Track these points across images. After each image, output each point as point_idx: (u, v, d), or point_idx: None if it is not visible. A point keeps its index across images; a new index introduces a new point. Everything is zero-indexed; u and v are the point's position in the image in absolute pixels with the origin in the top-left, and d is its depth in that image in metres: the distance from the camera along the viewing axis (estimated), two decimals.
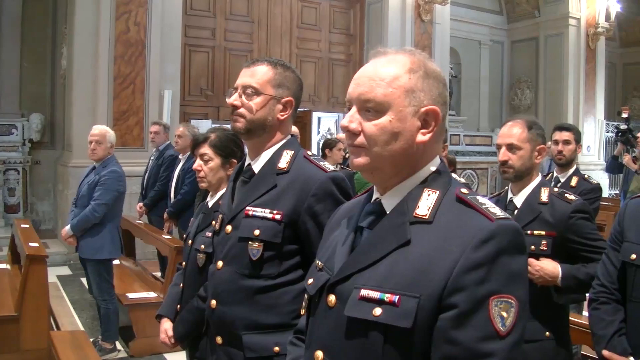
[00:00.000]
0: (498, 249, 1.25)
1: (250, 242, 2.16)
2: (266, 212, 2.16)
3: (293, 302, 2.14)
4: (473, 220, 1.30)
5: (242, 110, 2.22)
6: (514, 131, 2.88)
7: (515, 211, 2.89)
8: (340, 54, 11.97)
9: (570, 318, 2.97)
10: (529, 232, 2.81)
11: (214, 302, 2.24)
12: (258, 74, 2.24)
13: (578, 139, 4.81)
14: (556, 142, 4.74)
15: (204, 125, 8.66)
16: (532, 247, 2.79)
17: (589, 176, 4.91)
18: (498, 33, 15.93)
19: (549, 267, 2.76)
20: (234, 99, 2.24)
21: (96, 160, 5.34)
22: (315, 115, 11.00)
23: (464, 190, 1.38)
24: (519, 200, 2.92)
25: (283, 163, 2.23)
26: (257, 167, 2.28)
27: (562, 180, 4.79)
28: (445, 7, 11.98)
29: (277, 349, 2.12)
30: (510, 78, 16.12)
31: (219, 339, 2.24)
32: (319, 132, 11.00)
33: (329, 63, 11.81)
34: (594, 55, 15.09)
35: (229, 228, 2.25)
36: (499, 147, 2.90)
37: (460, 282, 1.23)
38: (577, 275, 2.73)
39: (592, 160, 14.73)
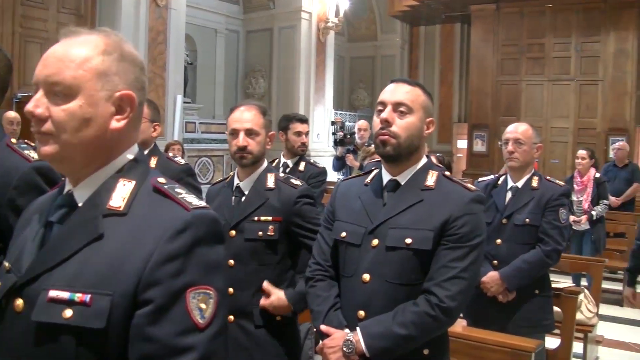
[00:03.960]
0: (194, 239, 1.21)
1: None
2: None
3: None
4: (169, 210, 1.25)
5: None
6: (251, 116, 2.84)
7: (243, 198, 2.88)
8: None
9: None
10: (256, 218, 2.80)
11: None
12: None
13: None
14: (299, 134, 5.00)
15: None
16: (260, 233, 2.78)
17: (315, 161, 5.26)
18: (234, 22, 16.16)
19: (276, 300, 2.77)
20: None
21: None
22: None
23: (160, 179, 1.33)
24: (246, 186, 2.90)
25: None
26: None
27: (291, 165, 5.01)
28: None
29: None
30: (245, 67, 16.45)
31: None
32: None
33: None
34: (324, 49, 15.92)
35: None
36: (235, 132, 2.84)
37: (155, 275, 1.18)
38: None
39: (321, 147, 15.53)
